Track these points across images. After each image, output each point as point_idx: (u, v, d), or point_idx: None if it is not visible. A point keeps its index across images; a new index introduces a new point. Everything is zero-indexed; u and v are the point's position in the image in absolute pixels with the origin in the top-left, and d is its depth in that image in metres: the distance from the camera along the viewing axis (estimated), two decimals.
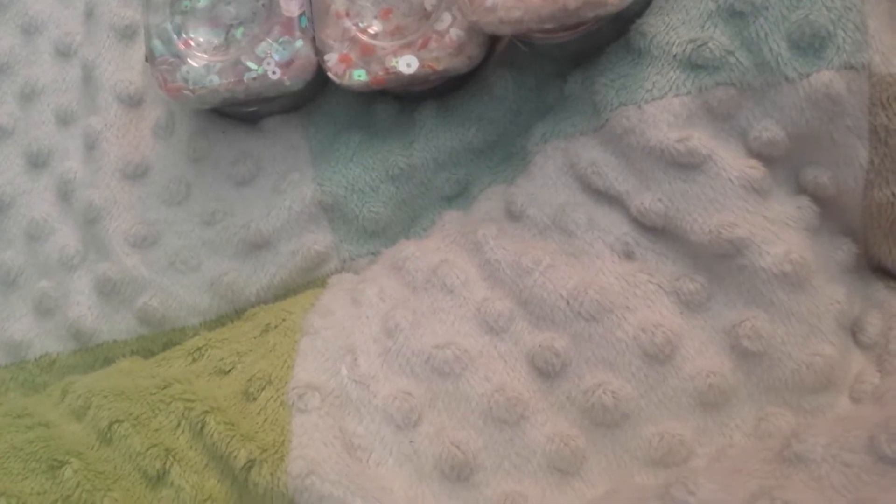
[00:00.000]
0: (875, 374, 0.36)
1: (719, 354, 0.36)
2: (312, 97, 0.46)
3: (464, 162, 0.45)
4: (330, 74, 0.42)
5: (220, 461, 0.34)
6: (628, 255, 0.38)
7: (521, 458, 0.35)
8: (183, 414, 0.36)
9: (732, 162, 0.37)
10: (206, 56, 0.42)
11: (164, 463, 0.34)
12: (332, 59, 0.42)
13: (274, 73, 0.42)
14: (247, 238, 0.44)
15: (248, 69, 0.42)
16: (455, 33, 0.40)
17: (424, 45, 0.41)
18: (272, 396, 0.36)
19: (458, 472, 0.35)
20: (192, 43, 0.43)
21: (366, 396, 0.36)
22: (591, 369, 0.36)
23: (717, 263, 0.36)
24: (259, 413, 0.35)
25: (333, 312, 0.40)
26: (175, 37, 0.42)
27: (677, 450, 0.35)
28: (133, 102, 0.47)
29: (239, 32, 0.43)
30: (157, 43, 0.43)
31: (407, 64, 0.41)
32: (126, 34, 0.48)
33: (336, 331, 0.38)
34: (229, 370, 0.38)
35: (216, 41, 0.43)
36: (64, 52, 0.50)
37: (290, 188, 0.45)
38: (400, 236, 0.45)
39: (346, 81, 0.42)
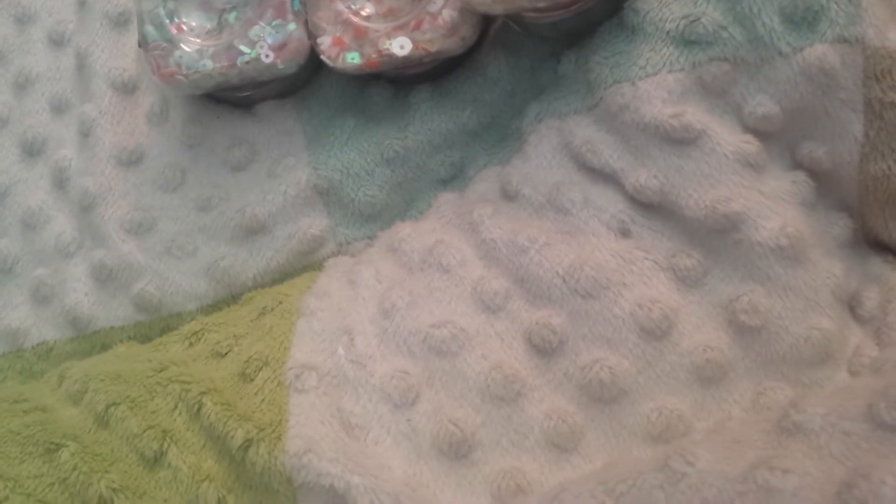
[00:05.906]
0: (873, 347, 0.36)
1: (716, 329, 0.36)
2: (306, 81, 0.46)
3: (458, 144, 0.45)
4: (323, 57, 0.42)
5: (218, 441, 0.34)
6: (624, 233, 0.38)
7: (520, 435, 0.35)
8: (180, 396, 0.35)
9: (727, 137, 0.37)
10: (198, 40, 0.42)
11: (162, 444, 0.34)
12: (325, 42, 0.42)
13: (267, 56, 0.42)
14: (243, 223, 0.44)
15: (241, 53, 0.42)
16: (448, 14, 0.40)
17: (417, 26, 0.40)
18: (269, 377, 0.36)
19: (457, 450, 0.34)
20: (184, 27, 0.43)
21: (363, 376, 0.36)
22: (587, 346, 0.36)
23: (714, 239, 0.36)
24: (256, 394, 0.35)
25: (330, 294, 0.39)
26: (168, 22, 0.42)
27: (675, 425, 0.35)
28: (127, 89, 0.47)
29: (232, 16, 0.43)
30: (149, 28, 0.42)
31: (400, 46, 0.41)
32: (119, 21, 0.48)
33: (333, 312, 0.38)
34: (226, 353, 0.38)
35: (209, 25, 0.43)
36: (57, 41, 0.50)
37: (286, 173, 0.45)
38: (396, 219, 0.44)
39: (339, 64, 0.42)
